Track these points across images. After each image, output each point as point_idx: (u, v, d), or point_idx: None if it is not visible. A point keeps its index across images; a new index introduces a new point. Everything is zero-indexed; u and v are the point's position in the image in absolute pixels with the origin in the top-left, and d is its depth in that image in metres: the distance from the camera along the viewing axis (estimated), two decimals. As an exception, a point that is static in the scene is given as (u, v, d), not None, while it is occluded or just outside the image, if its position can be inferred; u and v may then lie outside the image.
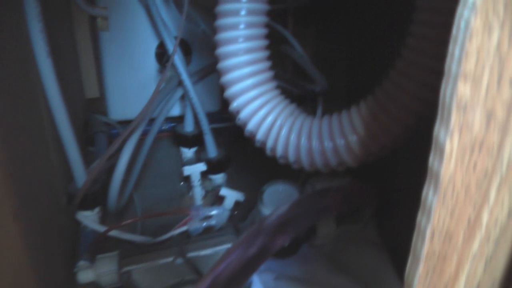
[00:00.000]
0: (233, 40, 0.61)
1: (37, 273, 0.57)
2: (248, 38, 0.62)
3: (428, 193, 0.30)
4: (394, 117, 0.58)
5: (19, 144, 0.57)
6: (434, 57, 0.53)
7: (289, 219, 0.61)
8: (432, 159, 0.29)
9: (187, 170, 0.86)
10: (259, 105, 0.64)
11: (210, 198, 0.93)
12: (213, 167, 0.92)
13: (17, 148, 0.56)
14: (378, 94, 0.59)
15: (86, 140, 0.99)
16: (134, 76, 1.01)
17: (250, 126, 0.65)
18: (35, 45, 0.63)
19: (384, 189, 0.79)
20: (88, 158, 0.95)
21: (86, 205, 0.77)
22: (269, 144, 0.66)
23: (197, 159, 0.97)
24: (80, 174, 0.75)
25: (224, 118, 0.99)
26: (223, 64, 0.63)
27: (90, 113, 1.03)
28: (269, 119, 0.64)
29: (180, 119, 0.99)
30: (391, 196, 0.78)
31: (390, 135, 0.59)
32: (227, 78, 0.63)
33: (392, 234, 0.77)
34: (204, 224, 0.71)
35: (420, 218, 0.31)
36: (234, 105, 0.64)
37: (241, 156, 0.77)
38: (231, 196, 0.84)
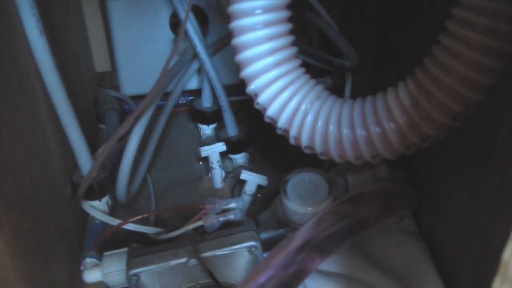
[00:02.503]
0: (250, 12, 0.53)
1: (30, 280, 0.52)
2: (267, 9, 0.53)
3: None
4: (439, 103, 0.50)
5: (6, 136, 0.50)
6: (488, 33, 0.45)
7: (325, 237, 0.55)
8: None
9: (205, 151, 0.80)
10: (280, 88, 0.56)
11: (231, 180, 0.87)
12: (234, 147, 0.85)
13: (3, 142, 0.49)
14: (419, 75, 0.51)
15: (97, 118, 0.93)
16: (147, 47, 0.95)
17: (271, 111, 0.57)
18: (26, 22, 0.57)
19: (419, 173, 0.72)
20: (99, 136, 0.90)
21: (93, 194, 0.71)
22: (293, 132, 0.58)
23: (216, 137, 0.91)
24: (85, 160, 0.69)
25: (245, 90, 0.93)
26: (238, 40, 0.55)
27: (100, 88, 0.97)
28: (292, 103, 0.56)
29: (198, 92, 0.92)
30: (428, 182, 0.70)
31: (433, 124, 0.51)
32: (243, 56, 0.55)
33: (431, 223, 0.70)
34: (221, 219, 0.64)
35: (499, 286, 0.23)
36: (252, 87, 0.57)
37: (265, 132, 0.71)
38: (252, 180, 0.78)
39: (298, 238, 0.54)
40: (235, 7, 0.54)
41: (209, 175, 0.87)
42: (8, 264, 0.47)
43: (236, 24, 0.54)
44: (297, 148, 0.61)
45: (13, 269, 0.48)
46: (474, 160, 0.57)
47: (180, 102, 0.99)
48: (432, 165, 0.69)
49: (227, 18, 0.56)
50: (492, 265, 0.26)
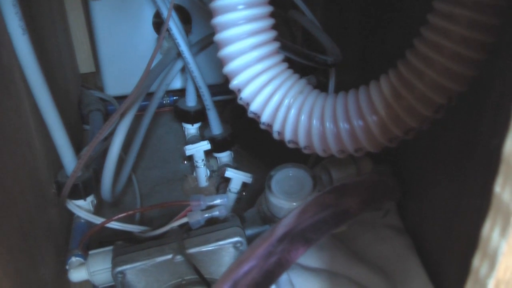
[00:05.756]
0: (232, 7, 0.53)
1: (16, 279, 0.51)
2: (249, 5, 0.53)
3: (492, 232, 0.22)
4: (421, 95, 0.50)
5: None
6: (468, 25, 0.45)
7: (308, 226, 0.55)
8: (500, 186, 0.21)
9: (189, 149, 0.80)
10: (263, 83, 0.56)
11: (216, 178, 0.87)
12: (218, 145, 0.86)
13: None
14: (401, 68, 0.51)
15: (81, 119, 0.93)
16: (130, 48, 0.95)
17: (254, 106, 0.57)
18: (8, 20, 0.57)
19: (404, 169, 0.72)
20: (84, 137, 0.90)
21: (78, 194, 0.71)
22: (276, 127, 0.58)
23: (201, 136, 0.91)
24: (70, 159, 0.69)
25: (229, 90, 0.94)
26: (220, 36, 0.55)
27: (84, 89, 0.96)
28: (275, 98, 0.57)
29: (182, 92, 0.92)
30: (412, 177, 0.71)
31: (415, 117, 0.51)
32: (226, 51, 0.55)
33: (416, 218, 0.70)
34: (206, 215, 0.64)
35: (479, 263, 0.23)
36: (235, 82, 0.57)
37: (249, 131, 0.71)
38: (237, 178, 0.78)
39: (281, 228, 0.54)
40: (217, 3, 0.54)
41: (194, 174, 0.87)
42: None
43: (218, 19, 0.54)
44: (282, 146, 0.61)
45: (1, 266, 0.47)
46: (458, 155, 0.57)
47: (164, 102, 1.00)
48: (417, 160, 0.69)
49: (210, 16, 0.56)
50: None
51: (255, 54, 0.55)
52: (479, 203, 0.51)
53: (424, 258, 0.67)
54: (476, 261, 0.23)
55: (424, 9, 0.49)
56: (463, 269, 0.56)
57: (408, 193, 0.71)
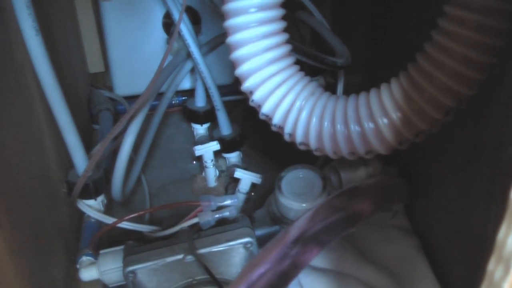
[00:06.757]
0: (244, 10, 0.54)
1: (28, 278, 0.52)
2: (261, 8, 0.54)
3: (508, 237, 0.22)
4: (432, 98, 0.50)
5: (3, 135, 0.51)
6: (478, 29, 0.46)
7: (321, 229, 0.55)
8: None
9: (199, 150, 0.80)
10: (275, 85, 0.57)
11: (224, 178, 0.87)
12: (227, 146, 0.86)
13: (1, 141, 0.50)
14: (412, 71, 0.52)
15: (91, 118, 0.93)
16: (140, 48, 0.95)
17: (266, 109, 0.58)
18: (22, 22, 0.57)
19: (412, 169, 0.73)
20: (93, 137, 0.90)
21: (88, 193, 0.71)
22: (288, 129, 0.58)
23: (210, 136, 0.91)
24: (80, 159, 0.69)
25: (238, 90, 0.94)
26: (233, 38, 0.55)
27: (94, 89, 0.97)
28: (287, 100, 0.57)
29: (191, 92, 0.93)
30: (420, 178, 0.71)
31: (426, 120, 0.52)
32: (238, 54, 0.56)
33: (423, 219, 0.71)
34: (216, 216, 0.64)
35: (494, 267, 0.23)
36: (247, 85, 0.57)
37: (258, 131, 0.71)
38: (246, 178, 0.78)
39: (294, 230, 0.54)
40: (229, 6, 0.54)
41: (203, 174, 0.87)
42: (7, 261, 0.47)
43: (230, 22, 0.55)
44: (291, 146, 0.61)
45: (11, 266, 0.48)
46: (466, 156, 0.57)
47: (173, 102, 1.00)
48: (425, 161, 0.70)
49: (220, 17, 0.56)
50: (484, 259, 0.26)
51: (267, 56, 0.55)
52: (486, 205, 0.52)
53: (432, 259, 0.67)
54: (491, 264, 0.23)
55: (432, 11, 0.50)
56: (471, 270, 0.56)
57: (416, 194, 0.71)
